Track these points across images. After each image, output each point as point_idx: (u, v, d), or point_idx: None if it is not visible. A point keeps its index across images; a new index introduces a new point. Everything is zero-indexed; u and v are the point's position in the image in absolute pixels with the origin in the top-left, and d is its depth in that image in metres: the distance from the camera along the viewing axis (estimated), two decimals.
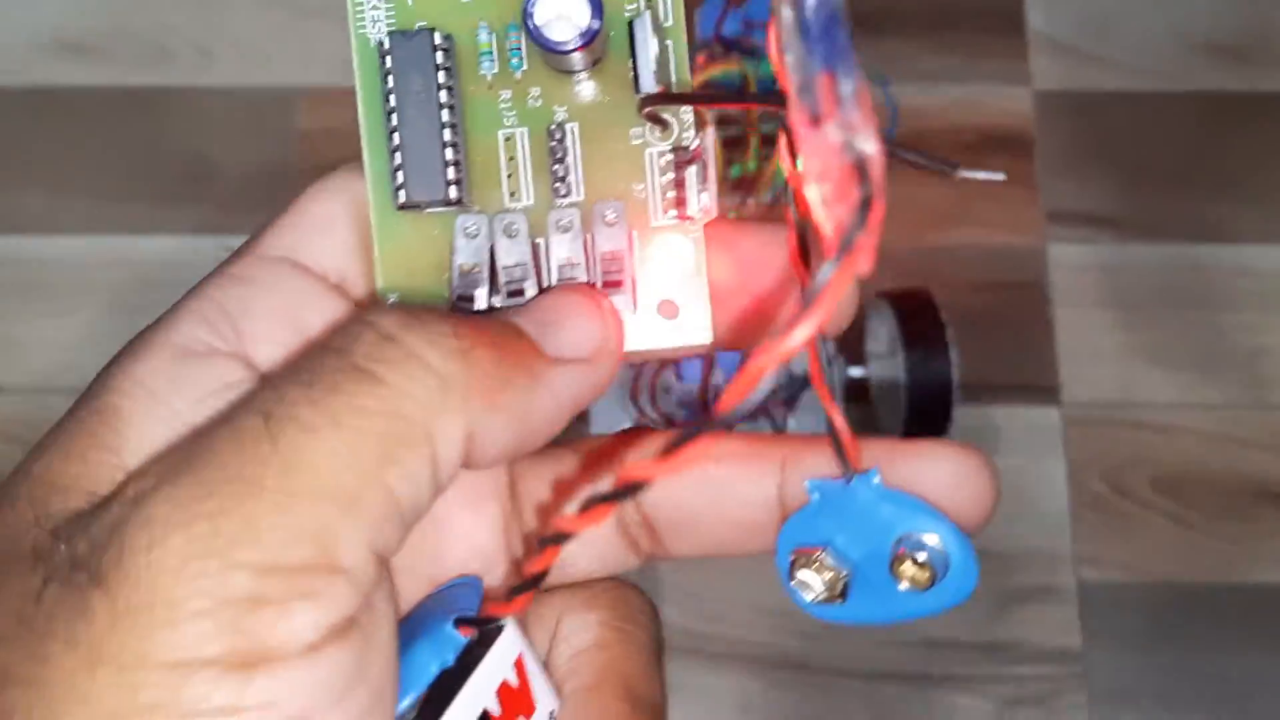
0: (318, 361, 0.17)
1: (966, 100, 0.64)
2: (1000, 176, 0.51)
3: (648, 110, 0.20)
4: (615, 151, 0.20)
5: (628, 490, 0.16)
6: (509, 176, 0.20)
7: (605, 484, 0.20)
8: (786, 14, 0.14)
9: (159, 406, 0.17)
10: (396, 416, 0.16)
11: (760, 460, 0.20)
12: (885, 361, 0.55)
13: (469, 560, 0.21)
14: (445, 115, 0.20)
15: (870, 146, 0.13)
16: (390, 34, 0.20)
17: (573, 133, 0.20)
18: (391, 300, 0.20)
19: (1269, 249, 0.62)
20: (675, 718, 0.20)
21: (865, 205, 0.13)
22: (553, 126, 0.20)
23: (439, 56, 0.20)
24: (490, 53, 0.20)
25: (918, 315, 0.53)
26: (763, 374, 0.14)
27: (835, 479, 0.19)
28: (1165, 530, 0.58)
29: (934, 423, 0.53)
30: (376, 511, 0.16)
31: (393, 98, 0.20)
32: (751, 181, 0.51)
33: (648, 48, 0.20)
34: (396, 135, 0.20)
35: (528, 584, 0.18)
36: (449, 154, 0.20)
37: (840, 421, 0.15)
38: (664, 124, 0.20)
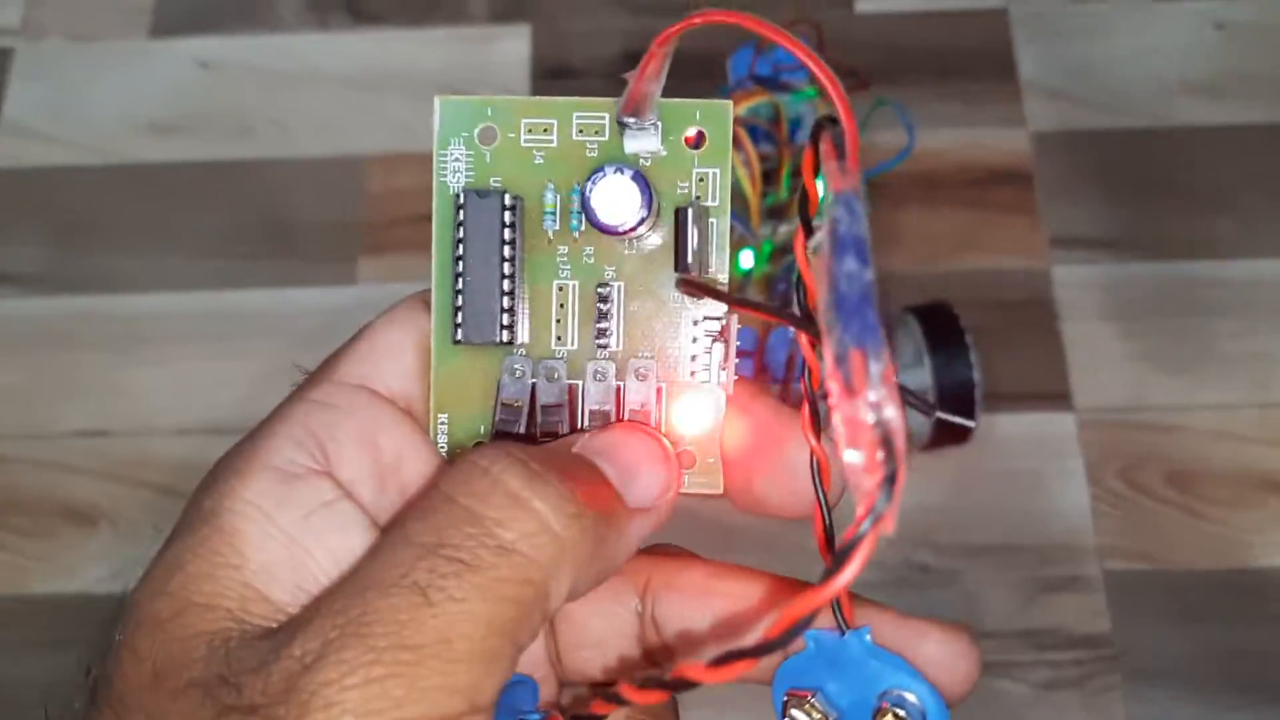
0: (458, 529, 0.19)
1: (971, 142, 0.71)
2: (972, 424, 0.56)
3: (683, 288, 0.22)
4: (654, 311, 0.22)
5: (679, 685, 0.18)
6: (558, 321, 0.22)
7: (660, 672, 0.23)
8: (824, 291, 0.16)
9: (270, 525, 0.19)
10: (527, 583, 0.19)
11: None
12: (913, 370, 0.60)
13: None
14: (505, 268, 0.22)
15: (895, 423, 0.15)
16: (467, 190, 0.22)
17: (619, 291, 0.22)
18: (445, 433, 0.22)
19: (1253, 262, 0.67)
20: None
21: (890, 480, 0.15)
22: (601, 283, 0.22)
23: (506, 216, 0.22)
24: (554, 213, 0.22)
25: (940, 324, 0.59)
26: (806, 616, 0.16)
27: (832, 631, 0.21)
28: (1180, 521, 0.62)
29: (960, 422, 0.59)
30: (510, 663, 0.19)
31: (462, 247, 0.22)
32: (783, 209, 0.57)
33: (689, 236, 0.22)
34: (461, 280, 0.22)
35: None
36: (504, 302, 0.22)
37: (841, 584, 0.16)
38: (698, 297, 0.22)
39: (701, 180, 0.22)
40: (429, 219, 0.22)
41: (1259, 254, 0.67)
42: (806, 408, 0.20)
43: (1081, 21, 0.74)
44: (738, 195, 0.55)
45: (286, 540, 0.19)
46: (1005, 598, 0.61)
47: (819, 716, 0.20)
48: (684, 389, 0.22)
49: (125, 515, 0.62)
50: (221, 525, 0.19)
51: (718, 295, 0.22)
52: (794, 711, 0.20)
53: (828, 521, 0.21)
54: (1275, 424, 0.64)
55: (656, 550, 0.23)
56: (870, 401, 0.15)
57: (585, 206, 0.22)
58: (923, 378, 0.59)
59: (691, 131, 0.22)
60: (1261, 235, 0.68)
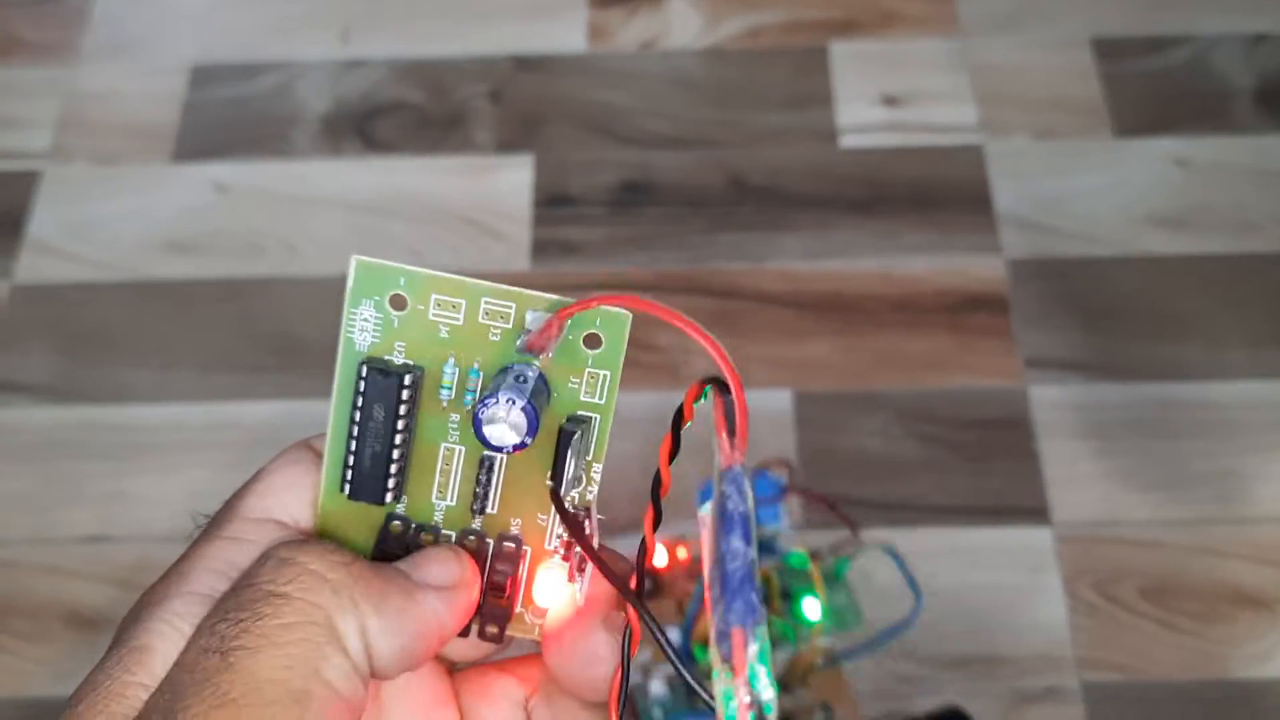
0: (241, 595, 0.21)
1: (948, 269, 0.74)
2: (894, 547, 0.58)
3: (551, 498, 0.24)
4: (529, 486, 0.24)
5: None
6: (441, 479, 0.24)
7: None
8: (708, 568, 0.17)
9: (183, 641, 0.21)
10: (310, 622, 0.21)
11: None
12: None
13: None
14: (397, 439, 0.23)
15: (769, 702, 0.16)
16: (370, 364, 0.23)
17: (500, 463, 0.24)
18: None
19: (1220, 385, 0.71)
20: None
21: None
22: (485, 454, 0.24)
23: (404, 394, 0.23)
24: (450, 387, 0.24)
25: None
26: None
27: None
28: (1156, 634, 0.64)
29: None
30: (324, 701, 0.20)
31: (359, 414, 0.23)
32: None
33: (567, 464, 0.23)
34: (354, 444, 0.23)
35: None
36: (392, 470, 0.23)
37: None
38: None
39: (592, 379, 0.24)
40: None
41: (1225, 376, 0.71)
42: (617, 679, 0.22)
43: (1052, 159, 0.78)
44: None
45: None
46: (985, 708, 0.62)
47: None
48: (546, 555, 0.24)
49: None
50: (136, 646, 0.21)
51: (567, 521, 0.23)
52: None
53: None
54: (1246, 539, 0.66)
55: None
56: (748, 684, 0.16)
57: (475, 420, 0.23)
58: None
59: (590, 333, 0.23)
60: (1227, 359, 0.71)
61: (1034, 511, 0.67)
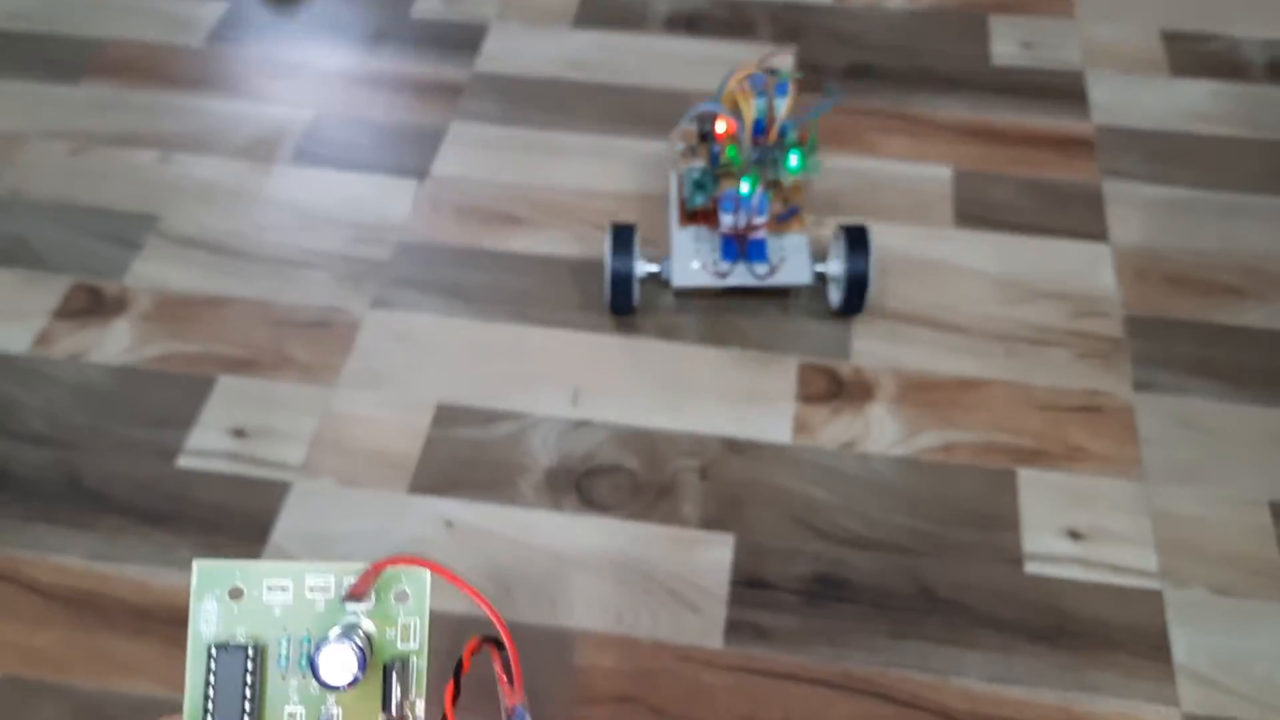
0: None
1: (1128, 713, 0.76)
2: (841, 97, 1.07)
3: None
4: None
5: None
6: None
7: None
8: None
9: None
10: None
11: None
12: (835, 262, 0.95)
13: None
14: (246, 706, 0.28)
15: None
16: (218, 645, 0.29)
17: (339, 715, 0.29)
18: None
19: None
20: None
21: None
22: (323, 709, 0.29)
23: (249, 665, 0.28)
24: (286, 656, 0.29)
25: (856, 240, 0.93)
26: None
27: None
28: None
29: (859, 294, 0.94)
30: None
31: (212, 690, 0.28)
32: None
33: (393, 687, 0.29)
34: (210, 715, 0.28)
35: None
36: None
37: None
38: None
39: (406, 627, 0.29)
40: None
41: None
42: None
43: (1231, 617, 0.81)
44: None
45: None
46: None
47: None
48: None
49: None
50: None
51: None
52: None
53: None
54: None
55: None
56: None
57: (312, 665, 0.28)
58: (840, 267, 0.94)
59: (399, 589, 0.29)
60: None
61: None
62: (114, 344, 0.96)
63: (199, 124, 1.17)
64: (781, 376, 0.94)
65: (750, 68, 0.89)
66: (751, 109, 0.89)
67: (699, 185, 0.92)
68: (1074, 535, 0.85)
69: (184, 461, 0.88)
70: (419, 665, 0.30)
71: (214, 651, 0.29)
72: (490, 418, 0.91)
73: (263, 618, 0.29)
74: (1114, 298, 1.00)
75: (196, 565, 0.29)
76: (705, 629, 0.79)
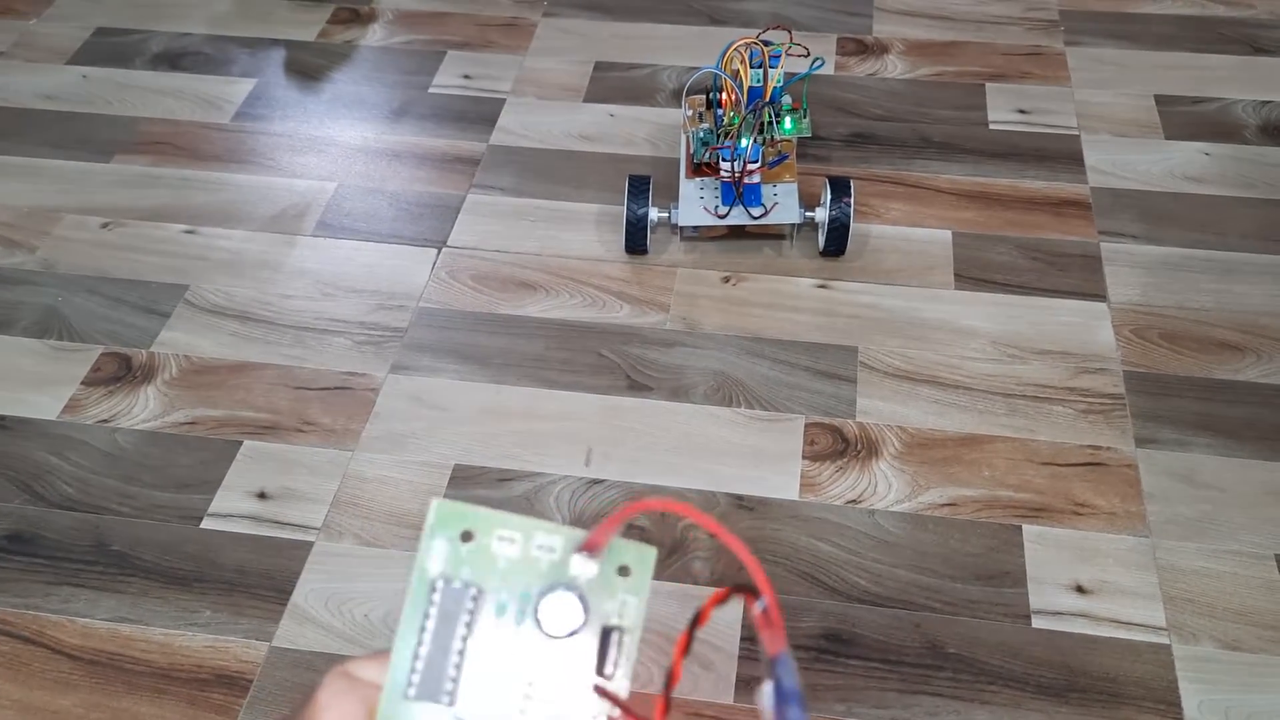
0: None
1: None
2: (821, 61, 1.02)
3: (597, 692, 0.29)
4: (568, 693, 0.29)
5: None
6: (493, 683, 0.29)
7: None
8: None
9: None
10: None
11: None
12: (820, 210, 1.08)
13: None
14: (458, 644, 0.28)
15: None
16: (446, 579, 0.28)
17: (544, 671, 0.29)
18: None
19: None
20: None
21: None
22: (529, 663, 0.29)
23: (469, 605, 0.28)
24: (505, 609, 0.29)
25: (839, 188, 1.07)
26: None
27: None
28: None
29: (842, 237, 1.07)
30: None
31: (430, 623, 0.28)
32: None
33: (611, 653, 0.28)
34: (422, 649, 0.28)
35: None
36: (452, 672, 0.28)
37: None
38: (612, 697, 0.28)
39: (624, 604, 0.29)
40: None
41: None
42: None
43: (1239, 672, 0.82)
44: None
45: None
46: None
47: None
48: None
49: None
50: None
51: (620, 704, 0.28)
52: None
53: None
54: None
55: None
56: None
57: (534, 613, 0.28)
58: (825, 214, 1.07)
59: (622, 564, 0.29)
60: None
61: None
62: (142, 409, 0.99)
63: (226, 197, 1.21)
64: (788, 434, 0.96)
65: (749, 40, 1.01)
66: (748, 76, 1.01)
67: (704, 142, 1.06)
68: (1080, 590, 0.86)
69: (208, 524, 0.90)
70: (629, 643, 0.29)
71: (439, 585, 0.28)
72: (506, 477, 0.93)
73: (487, 566, 0.29)
74: (1113, 355, 1.02)
75: (435, 504, 0.29)
76: (717, 686, 0.81)
